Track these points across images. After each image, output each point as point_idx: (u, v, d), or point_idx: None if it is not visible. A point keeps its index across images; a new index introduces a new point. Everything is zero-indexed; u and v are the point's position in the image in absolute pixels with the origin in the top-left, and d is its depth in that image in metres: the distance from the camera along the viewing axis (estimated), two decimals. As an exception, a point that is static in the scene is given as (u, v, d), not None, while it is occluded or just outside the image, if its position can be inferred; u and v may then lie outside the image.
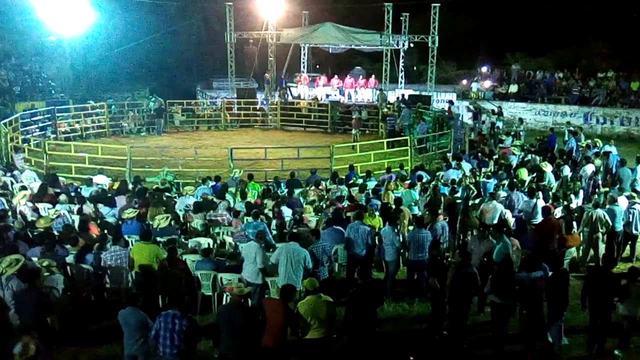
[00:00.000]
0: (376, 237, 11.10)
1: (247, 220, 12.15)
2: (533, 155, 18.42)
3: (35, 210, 13.11)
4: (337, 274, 11.36)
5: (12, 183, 15.91)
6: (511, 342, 8.76)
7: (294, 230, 11.26)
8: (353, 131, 26.46)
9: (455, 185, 14.26)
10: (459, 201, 13.53)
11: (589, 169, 16.07)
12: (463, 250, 9.36)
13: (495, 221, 11.75)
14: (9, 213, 12.75)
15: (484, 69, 37.64)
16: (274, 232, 11.78)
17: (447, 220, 12.06)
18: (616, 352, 8.56)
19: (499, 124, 25.23)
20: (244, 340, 7.22)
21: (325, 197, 14.52)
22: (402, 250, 10.88)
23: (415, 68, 42.40)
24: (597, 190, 15.07)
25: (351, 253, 10.81)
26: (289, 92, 33.23)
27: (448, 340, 8.98)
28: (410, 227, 11.85)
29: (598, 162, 16.73)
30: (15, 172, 16.99)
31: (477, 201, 13.99)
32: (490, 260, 9.77)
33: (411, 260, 10.53)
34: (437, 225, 11.22)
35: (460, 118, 26.47)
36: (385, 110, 27.85)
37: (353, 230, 10.77)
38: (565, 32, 39.12)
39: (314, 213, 13.28)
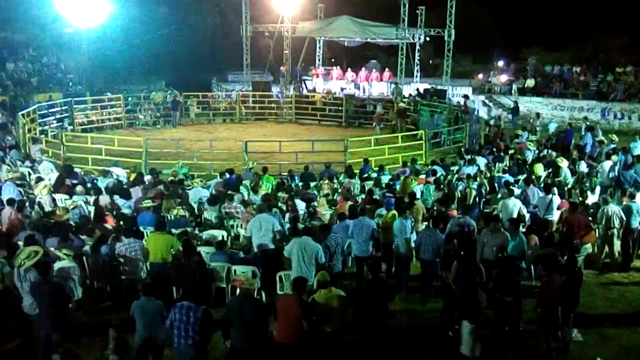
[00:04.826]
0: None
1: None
2: (549, 151, 18.28)
3: (53, 201, 13.28)
4: (350, 268, 11.37)
5: (29, 174, 16.12)
6: (515, 340, 8.72)
7: (307, 224, 11.29)
8: (374, 124, 26.19)
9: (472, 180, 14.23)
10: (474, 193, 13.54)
11: (607, 165, 15.89)
12: (466, 246, 9.31)
13: (515, 216, 11.66)
14: (27, 203, 12.92)
15: (501, 63, 37.35)
16: (287, 225, 11.79)
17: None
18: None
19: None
20: (255, 332, 7.25)
21: (339, 190, 14.54)
22: (412, 244, 10.68)
23: (430, 62, 42.17)
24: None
25: (354, 250, 10.72)
26: (303, 85, 33.23)
27: (459, 336, 8.96)
28: (425, 223, 11.83)
29: (615, 158, 16.56)
30: (34, 164, 17.20)
31: (488, 196, 13.95)
32: (505, 256, 9.71)
33: (422, 260, 10.28)
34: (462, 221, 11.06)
35: (476, 112, 26.32)
36: (402, 105, 27.72)
37: (356, 226, 10.65)
38: (583, 26, 38.68)
39: (327, 206, 13.29)
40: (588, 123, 23.18)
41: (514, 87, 32.57)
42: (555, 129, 23.66)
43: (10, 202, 11.80)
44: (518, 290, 8.44)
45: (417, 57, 34.30)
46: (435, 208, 12.71)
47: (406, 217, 10.69)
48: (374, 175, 15.91)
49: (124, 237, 10.31)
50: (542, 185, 14.09)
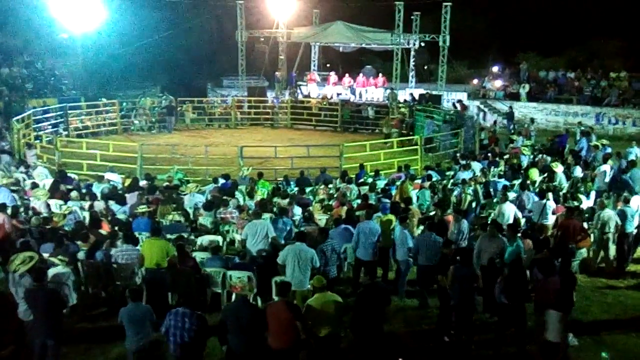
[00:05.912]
0: (391, 235, 10.99)
1: (270, 216, 12.21)
2: (544, 156, 18.33)
3: (47, 206, 13.22)
4: (346, 273, 11.37)
5: (24, 179, 16.05)
6: (513, 344, 8.73)
7: (302, 229, 11.27)
8: (392, 130, 25.96)
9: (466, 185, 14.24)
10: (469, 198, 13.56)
11: (603, 169, 15.89)
12: (462, 250, 9.30)
13: (511, 221, 11.68)
14: (21, 209, 12.87)
15: (495, 69, 37.50)
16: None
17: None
18: (603, 354, 8.54)
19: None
20: (251, 337, 7.24)
21: (335, 196, 14.53)
22: (412, 251, 10.66)
23: (426, 67, 42.32)
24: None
25: (358, 254, 10.70)
26: (299, 91, 33.29)
27: (455, 341, 8.96)
28: (421, 227, 11.84)
29: (610, 162, 16.59)
30: (29, 169, 17.13)
31: (484, 202, 13.95)
32: (501, 262, 9.72)
33: (420, 265, 10.27)
34: (460, 225, 11.09)
35: (472, 118, 26.41)
36: (403, 110, 27.72)
37: (362, 230, 10.65)
38: (577, 31, 38.90)
39: (322, 212, 13.28)
40: (583, 128, 23.25)
41: (522, 92, 32.50)
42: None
43: (2, 207, 11.73)
44: (526, 296, 8.47)
45: (412, 63, 34.42)
46: (432, 210, 12.76)
47: (407, 226, 10.69)
48: (370, 180, 15.92)
49: (121, 242, 10.29)
50: (537, 190, 14.11)
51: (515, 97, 32.59)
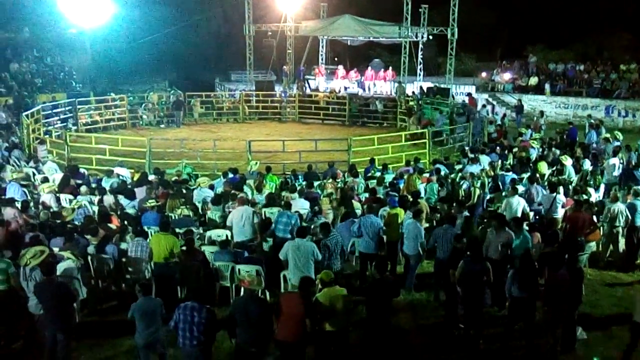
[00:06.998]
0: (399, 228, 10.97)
1: (277, 210, 12.25)
2: (553, 149, 18.24)
3: (57, 201, 13.31)
4: (354, 267, 11.37)
5: (34, 174, 16.16)
6: (522, 337, 8.73)
7: (307, 223, 11.31)
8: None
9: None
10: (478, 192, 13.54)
11: (612, 162, 15.80)
12: (473, 244, 9.29)
13: (519, 214, 11.63)
14: (31, 204, 12.96)
15: (504, 62, 37.25)
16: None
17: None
18: (595, 359, 8.53)
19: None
20: (260, 331, 7.26)
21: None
22: (424, 246, 10.54)
23: (434, 60, 42.11)
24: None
25: (360, 247, 10.72)
26: (307, 85, 33.26)
27: (464, 335, 8.96)
28: (426, 224, 11.83)
29: (620, 155, 16.48)
30: (38, 164, 17.24)
31: (492, 195, 13.93)
32: (510, 254, 9.70)
33: (438, 258, 10.20)
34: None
35: (480, 111, 26.30)
36: (412, 103, 27.63)
37: (363, 223, 10.67)
38: (587, 23, 38.58)
39: (329, 205, 13.29)
40: (592, 121, 23.12)
41: (547, 87, 32.22)
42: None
43: (11, 201, 11.79)
44: (537, 288, 8.47)
45: (420, 56, 34.27)
46: (438, 207, 12.74)
47: (420, 219, 10.65)
48: (378, 174, 15.90)
49: (130, 237, 10.34)
50: (546, 183, 14.05)
51: (524, 90, 32.43)
